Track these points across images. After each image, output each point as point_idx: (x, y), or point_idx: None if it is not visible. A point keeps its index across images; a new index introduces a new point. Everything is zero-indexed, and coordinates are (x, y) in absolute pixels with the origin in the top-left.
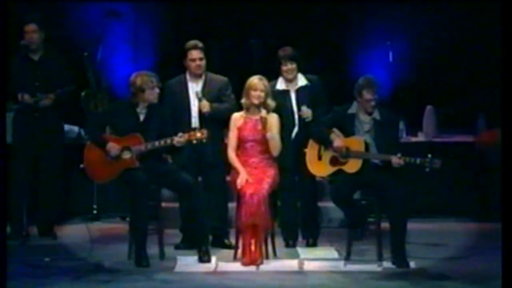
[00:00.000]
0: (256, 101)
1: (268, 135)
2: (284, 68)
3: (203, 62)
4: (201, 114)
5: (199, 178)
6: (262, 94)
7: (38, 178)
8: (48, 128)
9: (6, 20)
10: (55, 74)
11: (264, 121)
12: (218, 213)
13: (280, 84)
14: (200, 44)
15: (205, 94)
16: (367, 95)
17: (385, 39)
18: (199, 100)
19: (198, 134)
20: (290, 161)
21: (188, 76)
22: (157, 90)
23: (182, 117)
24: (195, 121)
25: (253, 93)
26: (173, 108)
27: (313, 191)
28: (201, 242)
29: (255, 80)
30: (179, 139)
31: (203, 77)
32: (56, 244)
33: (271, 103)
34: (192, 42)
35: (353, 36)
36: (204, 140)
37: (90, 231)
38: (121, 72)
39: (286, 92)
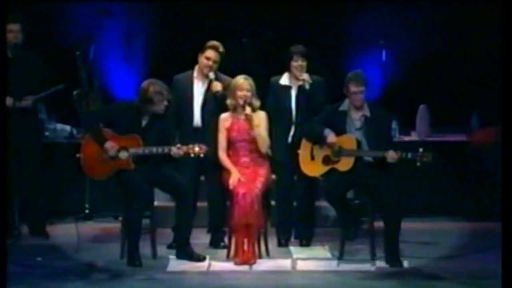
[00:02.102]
0: (241, 101)
1: (254, 132)
2: (294, 64)
3: (215, 65)
4: (203, 112)
5: (202, 178)
6: (248, 94)
7: (22, 178)
8: (27, 126)
9: (5, 20)
10: (34, 74)
11: (249, 119)
12: (218, 212)
13: (284, 80)
14: (221, 49)
15: (210, 94)
16: (352, 87)
17: (378, 38)
18: (211, 81)
19: (197, 149)
20: (288, 159)
21: (195, 73)
22: (165, 103)
23: (185, 114)
24: (197, 119)
25: (239, 93)
26: (177, 103)
27: (311, 191)
28: (183, 244)
29: (241, 80)
30: (177, 150)
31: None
32: (48, 244)
33: (256, 102)
34: (215, 43)
35: (346, 35)
36: (202, 155)
37: (78, 230)
38: (114, 71)
39: (287, 88)
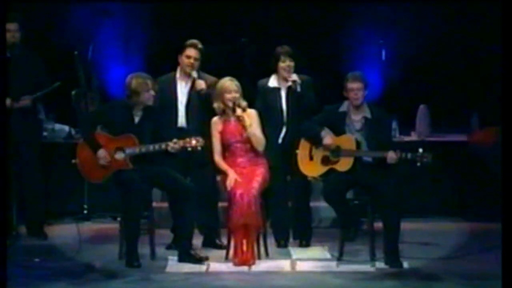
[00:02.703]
0: (230, 103)
1: (248, 132)
2: (282, 64)
3: (197, 63)
4: (187, 113)
5: (188, 179)
6: (237, 95)
7: (21, 178)
8: (25, 127)
9: (5, 20)
10: (32, 73)
11: (242, 120)
12: (209, 212)
13: (272, 82)
14: (200, 45)
15: (194, 93)
16: (349, 85)
17: (378, 37)
18: (194, 79)
19: (193, 142)
20: (279, 160)
21: (178, 74)
22: (152, 93)
23: (169, 115)
24: (181, 120)
25: (227, 95)
26: (161, 105)
27: (305, 191)
28: (186, 245)
29: (228, 82)
30: (174, 145)
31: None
32: (47, 244)
33: (243, 102)
34: (193, 40)
35: (346, 35)
36: (199, 148)
37: (79, 231)
38: (112, 71)
39: (277, 90)
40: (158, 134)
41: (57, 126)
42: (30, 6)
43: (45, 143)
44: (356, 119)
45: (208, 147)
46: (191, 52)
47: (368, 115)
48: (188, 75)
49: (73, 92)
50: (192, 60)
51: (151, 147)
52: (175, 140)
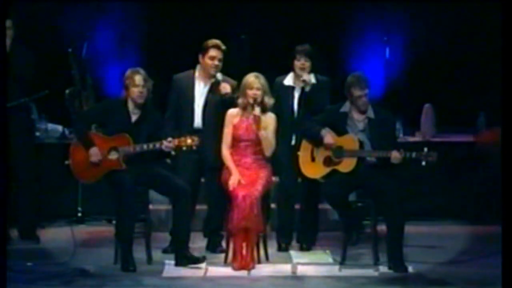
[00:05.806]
0: (251, 100)
1: (261, 134)
2: (297, 63)
3: (221, 64)
4: (204, 114)
5: (202, 180)
6: (259, 93)
7: (14, 180)
8: (17, 127)
9: (5, 19)
10: (25, 71)
11: (257, 120)
12: (219, 217)
13: (288, 80)
14: (223, 46)
15: (214, 95)
16: (355, 92)
17: (382, 35)
18: (219, 82)
19: (189, 141)
20: (291, 161)
21: (197, 73)
22: (140, 89)
23: (185, 115)
24: (197, 121)
25: (249, 91)
26: (177, 103)
27: (315, 194)
28: (182, 247)
29: (251, 78)
30: (168, 144)
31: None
32: (39, 248)
33: (269, 101)
34: (216, 41)
35: (349, 32)
36: (194, 148)
37: (74, 234)
38: (107, 70)
39: (291, 89)
40: (155, 136)
41: (50, 126)
42: (23, 3)
43: (38, 143)
44: (359, 119)
45: (219, 152)
46: (215, 53)
47: (372, 115)
48: (209, 76)
49: (67, 91)
50: (216, 62)
51: (145, 146)
52: (169, 139)
